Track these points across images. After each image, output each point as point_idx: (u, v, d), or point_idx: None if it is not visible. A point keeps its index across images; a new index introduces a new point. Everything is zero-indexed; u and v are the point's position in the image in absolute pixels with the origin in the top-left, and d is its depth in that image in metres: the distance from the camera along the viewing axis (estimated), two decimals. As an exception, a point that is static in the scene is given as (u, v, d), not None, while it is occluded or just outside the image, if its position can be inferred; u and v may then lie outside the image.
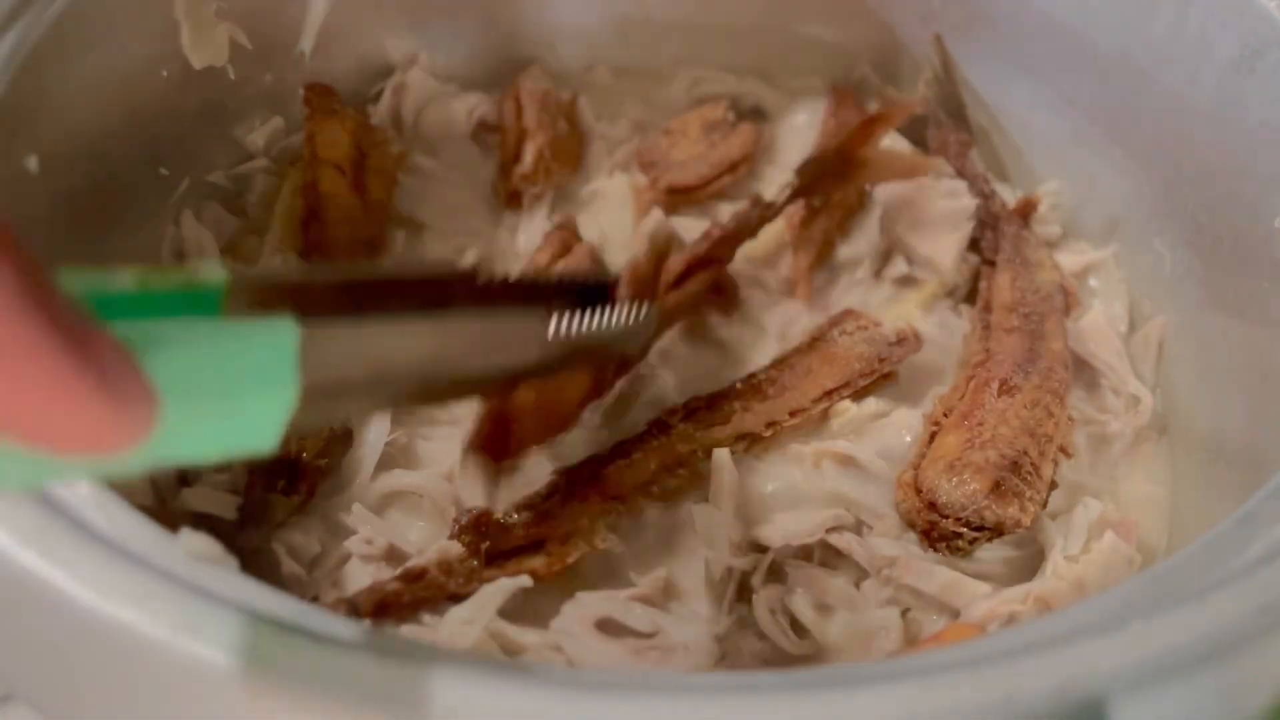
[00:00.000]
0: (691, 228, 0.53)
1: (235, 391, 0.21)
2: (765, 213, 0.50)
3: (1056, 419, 0.43)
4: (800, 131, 0.60)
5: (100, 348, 0.18)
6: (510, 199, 0.56)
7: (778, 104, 0.62)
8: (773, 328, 0.50)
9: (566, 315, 0.34)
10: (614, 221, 0.55)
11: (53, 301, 0.18)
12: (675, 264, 0.47)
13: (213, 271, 0.23)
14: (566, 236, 0.52)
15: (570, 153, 0.58)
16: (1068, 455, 0.43)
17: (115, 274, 0.21)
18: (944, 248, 0.52)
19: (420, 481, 0.43)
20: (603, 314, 0.36)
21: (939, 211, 0.53)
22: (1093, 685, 0.23)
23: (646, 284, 0.45)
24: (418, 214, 0.55)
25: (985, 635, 0.36)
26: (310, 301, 0.27)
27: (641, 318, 0.39)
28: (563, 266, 0.49)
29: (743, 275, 0.52)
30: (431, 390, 0.33)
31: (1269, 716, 0.24)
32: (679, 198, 0.55)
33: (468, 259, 0.53)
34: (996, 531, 0.39)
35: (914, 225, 0.53)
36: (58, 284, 0.18)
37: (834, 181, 0.52)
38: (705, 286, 0.49)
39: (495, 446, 0.41)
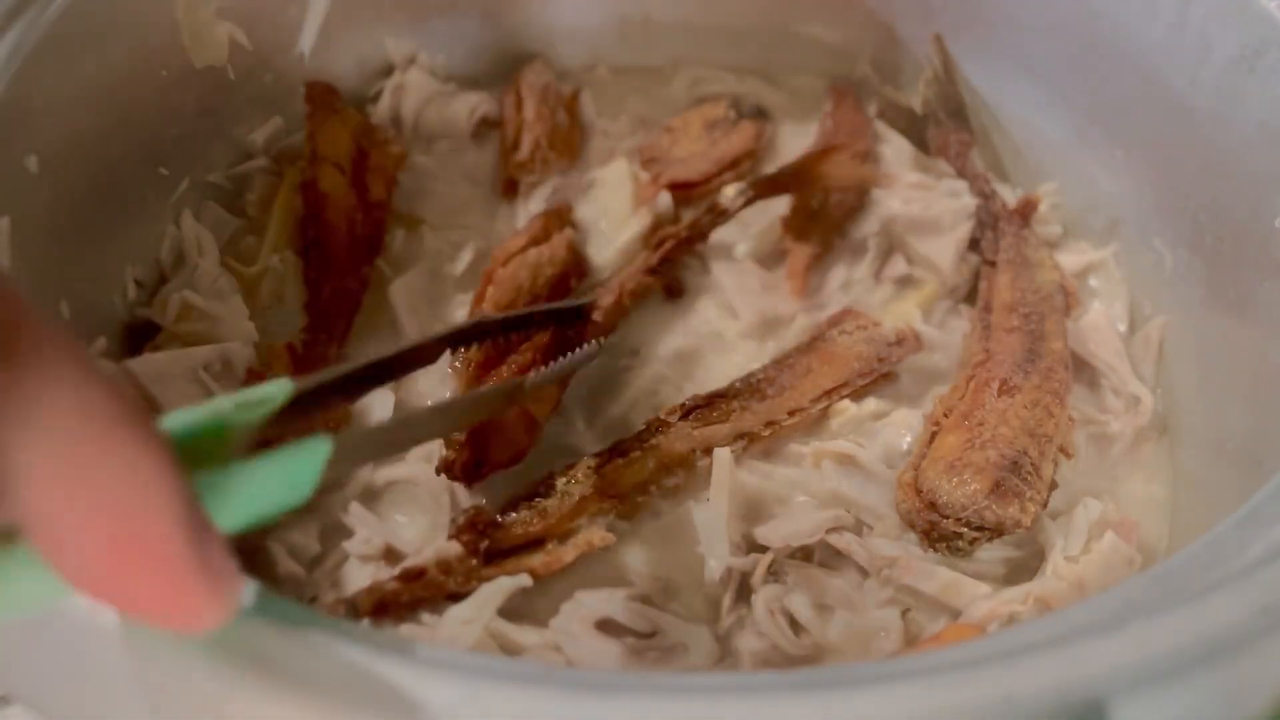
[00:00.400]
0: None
1: (271, 510, 0.24)
2: (717, 220, 0.51)
3: (1056, 419, 0.43)
4: (800, 130, 0.60)
5: (214, 552, 0.21)
6: (506, 188, 0.57)
7: (778, 103, 0.62)
8: (766, 326, 0.50)
9: (541, 368, 0.41)
10: (611, 202, 0.55)
11: (195, 518, 0.20)
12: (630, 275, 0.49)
13: (279, 386, 0.27)
14: (549, 223, 0.52)
15: (569, 144, 0.58)
16: (1068, 455, 0.43)
17: (196, 410, 0.24)
18: (944, 248, 0.52)
19: (411, 471, 0.43)
20: (570, 353, 0.41)
21: (939, 211, 0.53)
22: (1093, 685, 0.23)
23: (621, 314, 0.48)
24: (416, 211, 0.55)
25: (985, 635, 0.36)
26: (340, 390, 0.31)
27: (601, 344, 0.44)
28: (535, 254, 0.49)
29: (736, 273, 0.52)
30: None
31: (1269, 717, 0.24)
32: (680, 194, 0.55)
33: (464, 256, 0.53)
34: (996, 532, 0.39)
35: (914, 225, 0.53)
36: (197, 498, 0.21)
37: (788, 192, 0.54)
38: (651, 291, 0.51)
39: (468, 471, 0.42)
